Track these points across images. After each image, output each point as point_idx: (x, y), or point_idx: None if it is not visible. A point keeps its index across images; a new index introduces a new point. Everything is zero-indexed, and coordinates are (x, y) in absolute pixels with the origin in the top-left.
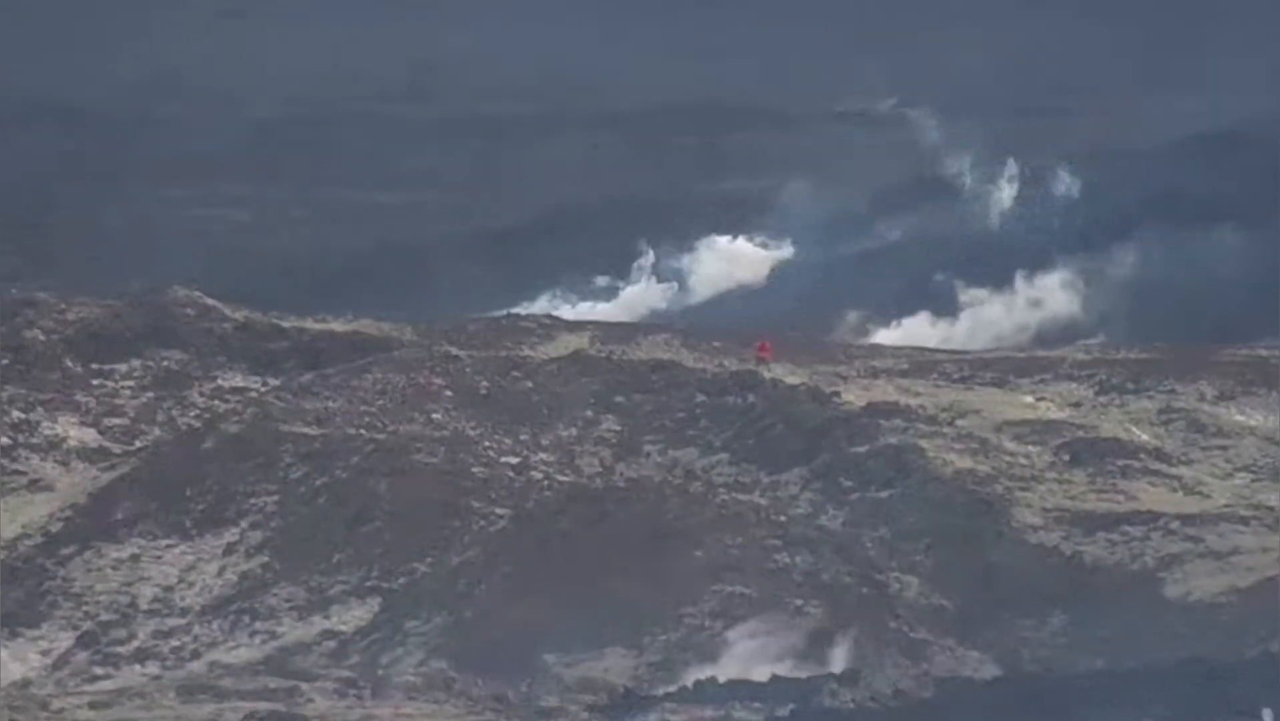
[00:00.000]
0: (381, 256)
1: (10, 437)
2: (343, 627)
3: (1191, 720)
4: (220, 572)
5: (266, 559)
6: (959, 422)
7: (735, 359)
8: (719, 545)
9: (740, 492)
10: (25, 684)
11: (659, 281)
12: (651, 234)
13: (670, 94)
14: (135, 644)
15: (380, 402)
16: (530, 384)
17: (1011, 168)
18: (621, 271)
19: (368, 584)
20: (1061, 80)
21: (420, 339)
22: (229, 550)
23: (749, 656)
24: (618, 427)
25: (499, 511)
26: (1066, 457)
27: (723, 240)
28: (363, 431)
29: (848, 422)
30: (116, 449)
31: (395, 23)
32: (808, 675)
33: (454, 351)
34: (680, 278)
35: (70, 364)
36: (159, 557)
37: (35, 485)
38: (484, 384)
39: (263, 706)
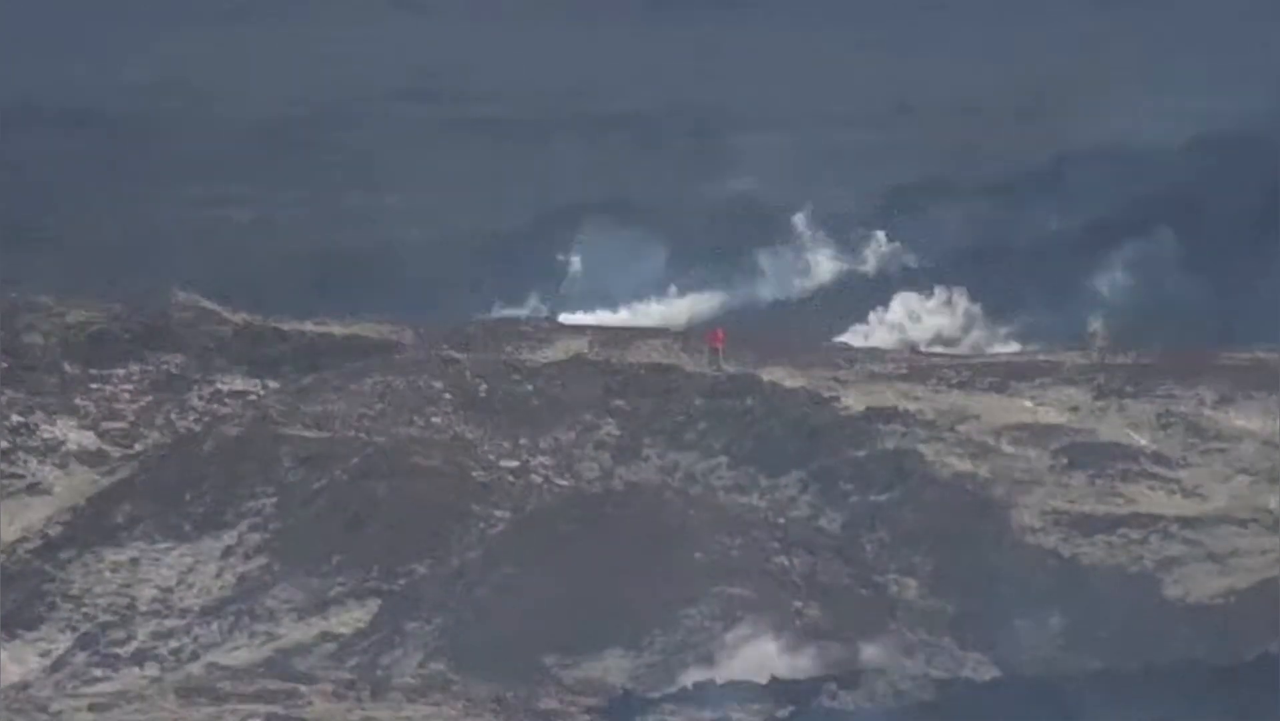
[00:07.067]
0: (381, 257)
1: (9, 441)
2: (342, 629)
3: None
4: (219, 574)
5: (265, 561)
6: (958, 427)
7: (734, 362)
8: (718, 547)
9: (739, 495)
10: (24, 686)
11: (657, 284)
12: (650, 235)
13: (670, 94)
14: (134, 645)
15: (379, 405)
16: (530, 387)
17: (1011, 169)
18: (620, 274)
19: (367, 586)
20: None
21: (419, 342)
22: (228, 552)
23: (748, 658)
24: (617, 431)
25: (498, 514)
26: (1065, 461)
27: (722, 242)
28: (362, 434)
29: (847, 426)
30: (115, 452)
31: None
32: (806, 677)
33: (453, 354)
34: (678, 280)
35: (69, 367)
36: (158, 560)
37: (34, 488)
38: (483, 387)
39: (262, 709)
